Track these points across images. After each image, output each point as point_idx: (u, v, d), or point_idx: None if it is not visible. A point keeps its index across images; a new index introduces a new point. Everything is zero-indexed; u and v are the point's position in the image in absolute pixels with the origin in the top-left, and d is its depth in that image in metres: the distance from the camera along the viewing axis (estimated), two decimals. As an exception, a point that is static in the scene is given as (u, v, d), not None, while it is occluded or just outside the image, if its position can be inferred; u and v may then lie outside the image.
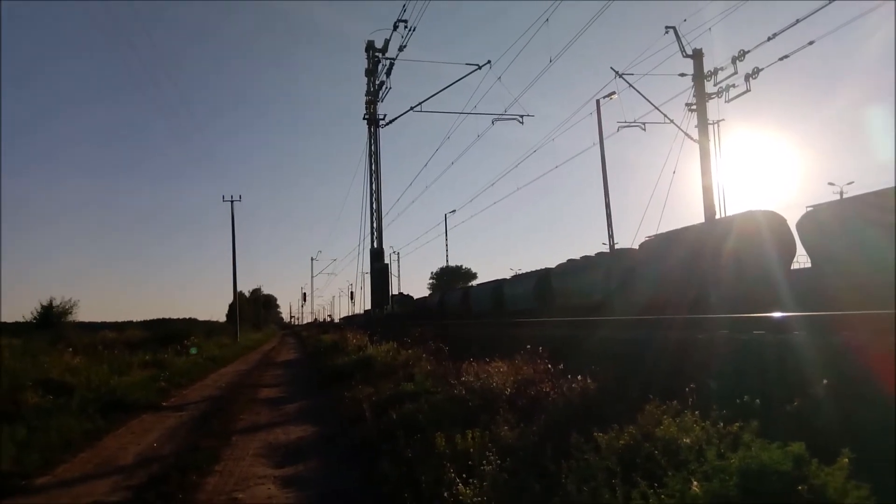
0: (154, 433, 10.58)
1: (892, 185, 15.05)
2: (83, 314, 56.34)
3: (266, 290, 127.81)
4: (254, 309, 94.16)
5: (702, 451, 3.93)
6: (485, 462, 5.27)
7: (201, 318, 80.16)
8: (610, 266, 26.86)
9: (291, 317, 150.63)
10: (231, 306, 63.21)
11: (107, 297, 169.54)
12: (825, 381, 5.15)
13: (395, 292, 70.35)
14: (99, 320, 64.38)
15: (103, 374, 16.08)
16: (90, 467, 8.29)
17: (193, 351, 27.26)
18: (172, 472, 7.49)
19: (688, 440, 4.23)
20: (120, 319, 71.68)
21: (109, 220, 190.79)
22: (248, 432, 10.37)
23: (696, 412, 4.91)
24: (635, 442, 4.60)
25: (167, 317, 75.93)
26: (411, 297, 68.64)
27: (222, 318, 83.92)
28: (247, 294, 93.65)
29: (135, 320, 73.30)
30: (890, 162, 38.22)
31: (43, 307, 40.89)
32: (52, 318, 38.96)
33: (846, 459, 3.40)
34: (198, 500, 6.50)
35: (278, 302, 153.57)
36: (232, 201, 52.31)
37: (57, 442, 9.34)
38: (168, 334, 34.95)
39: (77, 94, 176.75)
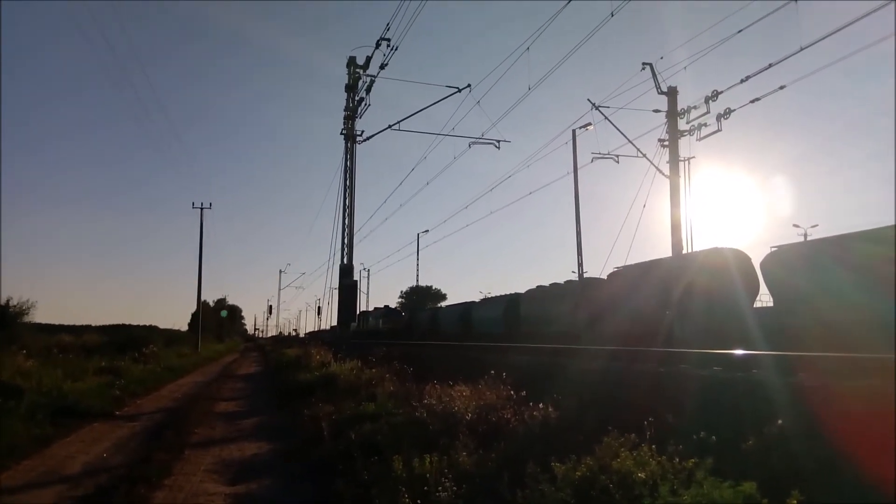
0: (104, 443, 10.30)
1: (857, 229, 15.50)
2: (41, 316, 54.74)
3: (231, 301, 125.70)
4: (217, 319, 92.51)
5: (656, 486, 3.95)
6: (441, 488, 5.21)
7: (163, 325, 78.30)
8: (578, 294, 27.06)
9: (256, 329, 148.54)
10: (194, 315, 61.97)
11: (66, 299, 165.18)
12: (780, 422, 5.22)
13: (381, 305, 66.78)
14: (57, 322, 62.60)
15: (56, 378, 15.62)
16: (35, 475, 8.03)
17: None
18: (121, 483, 7.29)
19: (642, 475, 4.24)
20: (79, 323, 69.58)
21: (73, 221, 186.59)
22: (202, 447, 10.13)
23: (654, 446, 4.93)
24: (592, 474, 4.60)
25: (127, 323, 74.05)
26: (399, 312, 63.74)
27: (184, 327, 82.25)
28: (211, 304, 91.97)
29: (94, 325, 71.40)
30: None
31: (-1, 306, 39.67)
32: (7, 319, 37.76)
33: (795, 501, 3.43)
34: (144, 515, 6.32)
35: (243, 313, 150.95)
36: (202, 208, 51.65)
37: (2, 447, 9.03)
38: (127, 341, 34.20)
39: (47, 89, 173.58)
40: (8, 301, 39.04)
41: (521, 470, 5.13)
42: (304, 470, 8.40)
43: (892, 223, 14.23)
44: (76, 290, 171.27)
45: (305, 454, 9.11)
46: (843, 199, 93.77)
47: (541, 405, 7.69)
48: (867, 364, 7.61)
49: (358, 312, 62.58)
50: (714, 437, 5.10)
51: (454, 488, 5.24)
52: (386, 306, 66.61)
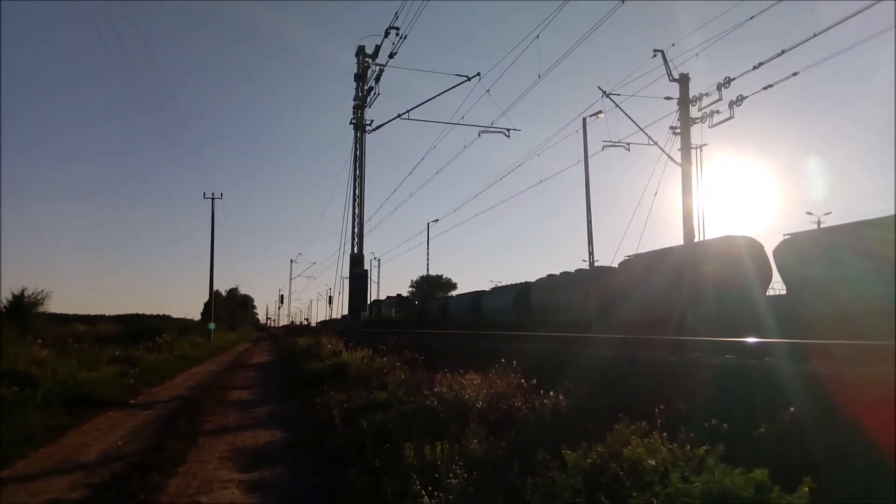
0: (119, 431, 10.41)
1: (870, 217, 15.34)
2: (55, 306, 55.37)
3: (243, 291, 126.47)
4: (230, 309, 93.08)
5: (666, 473, 3.94)
6: (451, 475, 5.23)
7: (176, 315, 79.02)
8: (589, 283, 27.00)
9: (268, 318, 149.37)
10: (206, 304, 62.34)
11: (81, 289, 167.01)
12: (792, 409, 5.20)
13: (393, 294, 65.51)
14: (71, 312, 63.29)
15: (71, 367, 15.78)
16: (51, 463, 8.13)
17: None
18: (135, 471, 7.36)
19: (653, 462, 4.24)
20: (93, 313, 70.39)
21: (86, 211, 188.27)
22: (216, 434, 10.23)
23: (665, 434, 4.92)
24: (602, 461, 4.59)
25: (141, 312, 74.70)
26: (412, 300, 61.47)
27: (197, 317, 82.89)
28: (223, 293, 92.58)
29: (108, 314, 72.12)
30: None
31: (14, 296, 40.06)
32: (22, 309, 38.11)
33: (807, 488, 3.42)
34: (159, 502, 6.39)
35: (255, 303, 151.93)
36: (213, 198, 51.85)
37: (18, 436, 9.15)
38: (140, 330, 34.53)
39: (58, 81, 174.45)
40: (23, 291, 39.46)
41: (531, 457, 5.14)
42: (316, 458, 8.46)
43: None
44: (90, 281, 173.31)
45: (317, 442, 9.17)
46: (857, 186, 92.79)
47: (551, 393, 7.70)
48: (881, 352, 7.56)
49: (370, 301, 62.28)
50: (726, 425, 5.08)
51: (465, 475, 5.26)
52: (399, 294, 65.39)
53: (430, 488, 5.12)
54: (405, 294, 72.84)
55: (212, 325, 49.19)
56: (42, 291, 40.81)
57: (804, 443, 4.93)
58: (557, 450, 4.97)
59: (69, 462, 8.18)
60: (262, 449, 9.18)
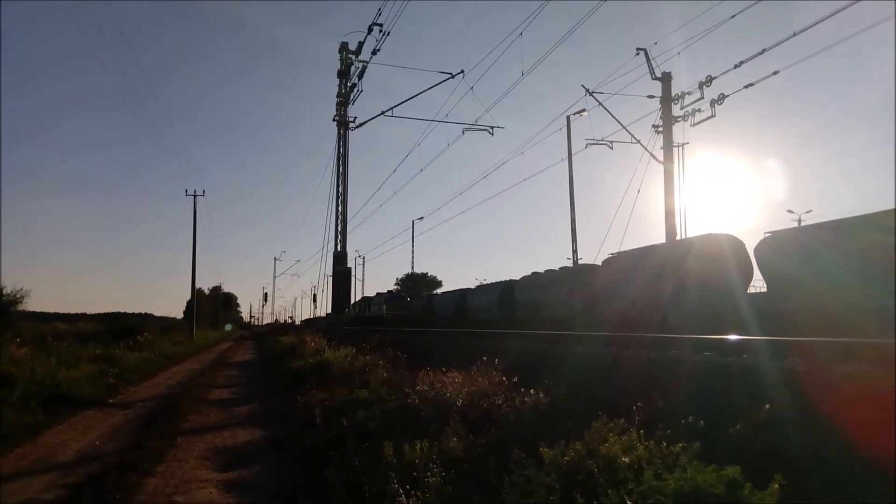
0: (97, 430, 10.30)
1: (850, 214, 15.54)
2: (35, 304, 54.58)
3: (226, 289, 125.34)
4: (212, 307, 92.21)
5: (641, 471, 3.95)
6: (430, 474, 5.22)
7: (158, 314, 78.50)
8: (573, 281, 27.11)
9: (251, 317, 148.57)
10: (189, 303, 61.64)
11: (61, 288, 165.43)
12: (767, 406, 5.23)
13: (383, 291, 62.86)
14: (52, 311, 62.64)
15: (50, 366, 15.61)
16: (26, 463, 8.03)
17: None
18: (112, 471, 7.29)
19: (627, 459, 4.25)
20: (73, 311, 69.65)
21: (68, 209, 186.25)
22: (195, 434, 10.15)
23: (642, 431, 4.94)
24: (579, 459, 4.60)
25: (123, 311, 73.97)
26: (404, 297, 57.44)
27: (180, 315, 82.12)
28: (206, 291, 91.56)
29: (89, 313, 71.39)
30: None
31: (-8, 294, 39.47)
32: (1, 307, 37.60)
33: (777, 485, 3.44)
34: (135, 502, 6.33)
35: (238, 301, 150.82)
36: (195, 195, 51.40)
37: (-7, 436, 9.02)
38: (121, 328, 34.24)
39: (37, 77, 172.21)
40: (2, 289, 38.88)
41: (509, 455, 5.13)
42: (296, 456, 8.42)
43: (886, 208, 14.25)
44: (71, 279, 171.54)
45: (298, 441, 9.13)
46: (838, 184, 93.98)
47: (532, 391, 7.70)
48: (858, 348, 7.64)
49: (360, 298, 61.32)
50: (702, 422, 5.11)
51: (443, 474, 5.25)
52: (390, 291, 63.23)
53: (407, 487, 5.10)
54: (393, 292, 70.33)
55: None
56: (21, 289, 40.24)
57: (781, 439, 4.97)
58: (536, 447, 4.97)
59: (45, 462, 8.09)
60: (241, 448, 9.12)
